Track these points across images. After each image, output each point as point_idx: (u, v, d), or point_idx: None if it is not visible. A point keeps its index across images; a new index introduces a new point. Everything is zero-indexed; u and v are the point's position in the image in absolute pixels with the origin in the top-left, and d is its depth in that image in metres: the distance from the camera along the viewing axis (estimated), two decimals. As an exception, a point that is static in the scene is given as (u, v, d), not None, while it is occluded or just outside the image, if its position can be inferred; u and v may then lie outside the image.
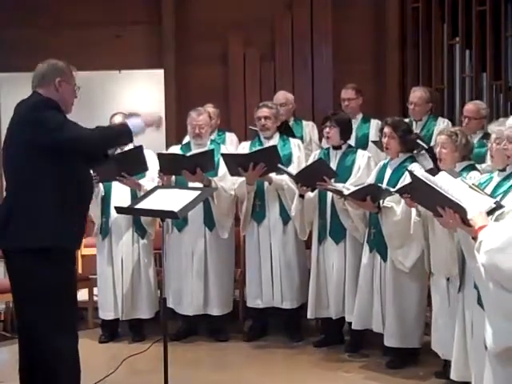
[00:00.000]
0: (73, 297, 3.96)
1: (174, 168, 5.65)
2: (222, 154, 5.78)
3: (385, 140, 5.32)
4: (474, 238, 3.42)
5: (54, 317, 3.76)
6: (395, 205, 5.11)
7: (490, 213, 3.49)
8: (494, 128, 4.01)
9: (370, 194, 5.11)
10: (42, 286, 3.72)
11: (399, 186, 4.99)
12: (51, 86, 3.88)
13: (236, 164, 5.68)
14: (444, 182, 3.76)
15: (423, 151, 5.65)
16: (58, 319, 3.78)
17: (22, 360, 4.00)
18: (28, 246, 3.72)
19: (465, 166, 4.60)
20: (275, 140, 5.96)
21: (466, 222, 3.49)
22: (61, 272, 3.79)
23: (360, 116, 6.62)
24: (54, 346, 3.76)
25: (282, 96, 6.78)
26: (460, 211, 3.53)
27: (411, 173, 4.07)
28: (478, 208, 3.43)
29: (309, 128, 6.87)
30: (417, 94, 6.45)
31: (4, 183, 4.01)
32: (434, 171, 4.87)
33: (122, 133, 3.92)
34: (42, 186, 3.74)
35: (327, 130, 5.63)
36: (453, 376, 4.46)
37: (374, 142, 6.24)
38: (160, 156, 5.70)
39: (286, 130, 6.16)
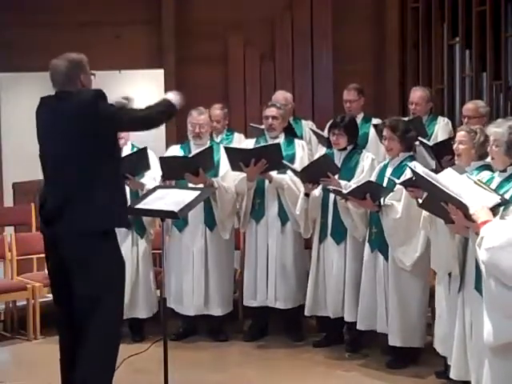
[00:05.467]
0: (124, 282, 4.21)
1: (178, 172, 5.64)
2: (225, 148, 5.79)
3: (385, 142, 5.33)
4: (478, 234, 3.43)
5: (115, 303, 4.01)
6: (396, 203, 5.11)
7: (496, 208, 3.49)
8: (491, 130, 3.99)
9: (369, 192, 5.12)
10: (107, 269, 3.94)
11: (402, 179, 4.99)
12: (77, 83, 4.02)
13: (238, 159, 5.68)
14: (447, 179, 3.76)
15: (420, 144, 5.67)
16: (119, 300, 4.09)
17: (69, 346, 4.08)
18: (94, 229, 3.91)
19: (479, 166, 4.56)
20: (280, 140, 5.94)
21: (468, 217, 3.49)
22: (119, 255, 4.09)
23: (361, 115, 6.60)
24: (116, 324, 4.06)
25: (281, 96, 6.74)
26: (461, 207, 3.53)
27: (413, 170, 4.06)
28: (480, 203, 3.43)
29: (308, 127, 6.86)
30: (417, 93, 6.46)
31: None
32: (436, 171, 4.89)
33: (170, 107, 4.27)
34: (99, 172, 3.94)
35: (334, 138, 5.62)
36: (452, 375, 4.46)
37: (374, 125, 6.24)
38: (163, 161, 5.68)
39: (288, 131, 6.16)
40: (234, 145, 6.43)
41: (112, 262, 4.00)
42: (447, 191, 3.61)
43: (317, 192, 5.62)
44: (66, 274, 3.99)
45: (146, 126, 4.21)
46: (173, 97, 4.28)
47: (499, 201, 3.55)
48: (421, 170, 3.96)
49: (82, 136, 3.91)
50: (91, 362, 3.92)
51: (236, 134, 6.89)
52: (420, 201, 4.39)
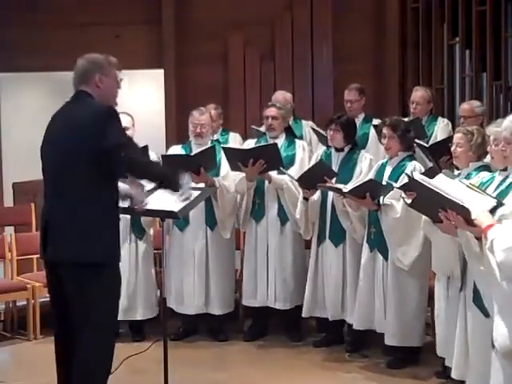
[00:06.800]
0: (118, 301, 4.05)
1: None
2: (223, 148, 5.80)
3: (385, 141, 5.33)
4: (478, 239, 3.42)
5: (106, 322, 3.87)
6: (395, 202, 5.11)
7: (492, 211, 3.48)
8: (491, 129, 4.02)
9: (370, 191, 5.11)
10: (98, 297, 3.78)
11: (400, 182, 4.98)
12: (92, 83, 3.86)
13: (236, 159, 5.69)
14: (443, 184, 3.75)
15: (416, 146, 5.68)
16: (110, 324, 3.94)
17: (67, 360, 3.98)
18: (84, 260, 3.73)
19: (478, 167, 4.58)
20: (281, 140, 5.95)
21: (469, 222, 3.48)
22: (114, 283, 3.90)
23: (362, 116, 6.60)
24: (104, 351, 3.89)
25: (281, 96, 6.75)
26: (463, 212, 3.50)
27: (410, 177, 4.04)
28: (480, 207, 3.43)
29: (308, 127, 6.85)
30: (418, 93, 6.46)
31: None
32: (434, 170, 4.88)
33: (172, 180, 4.01)
34: (98, 199, 3.76)
35: (331, 133, 5.62)
36: (453, 375, 4.45)
37: (374, 125, 6.24)
38: (164, 159, 5.68)
39: (289, 132, 6.16)
40: (230, 144, 6.44)
41: (107, 293, 3.84)
42: (448, 196, 3.58)
43: (315, 196, 5.62)
44: (61, 286, 3.90)
45: (137, 175, 3.95)
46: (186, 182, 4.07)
47: (495, 204, 3.55)
48: (419, 176, 3.93)
49: (78, 161, 3.72)
50: (85, 364, 3.85)
51: (231, 134, 6.89)
52: (408, 201, 4.37)
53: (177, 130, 7.79)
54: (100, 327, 3.82)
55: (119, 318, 5.81)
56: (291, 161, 5.86)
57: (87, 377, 3.86)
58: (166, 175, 4.05)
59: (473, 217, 3.42)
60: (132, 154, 3.78)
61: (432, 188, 3.65)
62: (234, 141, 6.71)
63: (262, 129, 6.44)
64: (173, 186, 4.02)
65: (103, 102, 3.87)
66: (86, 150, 3.69)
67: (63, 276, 3.83)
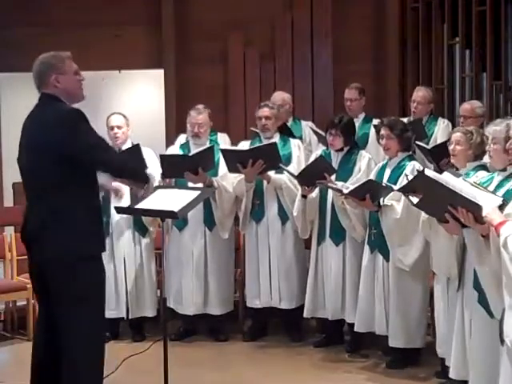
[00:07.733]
0: (104, 295, 4.06)
1: (177, 170, 5.64)
2: (221, 150, 5.78)
3: (383, 142, 5.32)
4: (484, 236, 3.42)
5: (93, 316, 3.86)
6: (395, 203, 5.10)
7: (499, 209, 3.48)
8: (490, 129, 4.02)
9: (369, 192, 5.10)
10: (84, 290, 3.79)
11: (400, 184, 4.97)
12: (50, 84, 3.83)
13: (235, 160, 5.68)
14: (451, 181, 3.74)
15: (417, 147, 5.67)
16: (99, 317, 3.93)
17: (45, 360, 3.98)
18: (72, 255, 3.75)
19: (475, 166, 4.58)
20: (275, 140, 5.94)
21: (477, 219, 3.47)
22: (100, 274, 3.93)
23: (362, 116, 6.59)
24: (92, 345, 3.86)
25: (280, 97, 6.74)
26: (474, 209, 3.49)
27: (421, 173, 3.98)
28: (490, 204, 3.43)
29: (308, 128, 6.85)
30: (420, 93, 6.47)
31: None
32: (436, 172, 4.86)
33: (142, 175, 4.07)
34: (74, 195, 3.77)
35: (331, 138, 5.62)
36: (452, 375, 4.45)
37: (374, 125, 6.23)
38: (163, 159, 5.68)
39: (285, 131, 6.15)
40: (220, 145, 6.42)
41: (90, 285, 3.83)
42: (461, 193, 3.56)
43: (313, 194, 5.61)
44: (45, 286, 3.90)
45: (114, 173, 4.06)
46: (152, 175, 4.14)
47: (501, 202, 3.55)
48: (431, 173, 3.89)
49: (53, 162, 3.76)
50: (74, 365, 3.83)
51: (219, 134, 6.84)
52: (414, 201, 4.36)
53: (177, 130, 7.77)
54: (87, 326, 3.80)
55: (122, 317, 5.88)
56: (288, 159, 5.86)
57: (77, 378, 3.84)
58: (142, 169, 4.12)
59: (483, 214, 3.41)
60: (103, 155, 3.84)
61: (444, 184, 3.62)
62: (223, 141, 6.66)
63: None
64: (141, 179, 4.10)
65: (69, 99, 3.86)
66: (58, 154, 3.71)
67: (49, 276, 3.81)
